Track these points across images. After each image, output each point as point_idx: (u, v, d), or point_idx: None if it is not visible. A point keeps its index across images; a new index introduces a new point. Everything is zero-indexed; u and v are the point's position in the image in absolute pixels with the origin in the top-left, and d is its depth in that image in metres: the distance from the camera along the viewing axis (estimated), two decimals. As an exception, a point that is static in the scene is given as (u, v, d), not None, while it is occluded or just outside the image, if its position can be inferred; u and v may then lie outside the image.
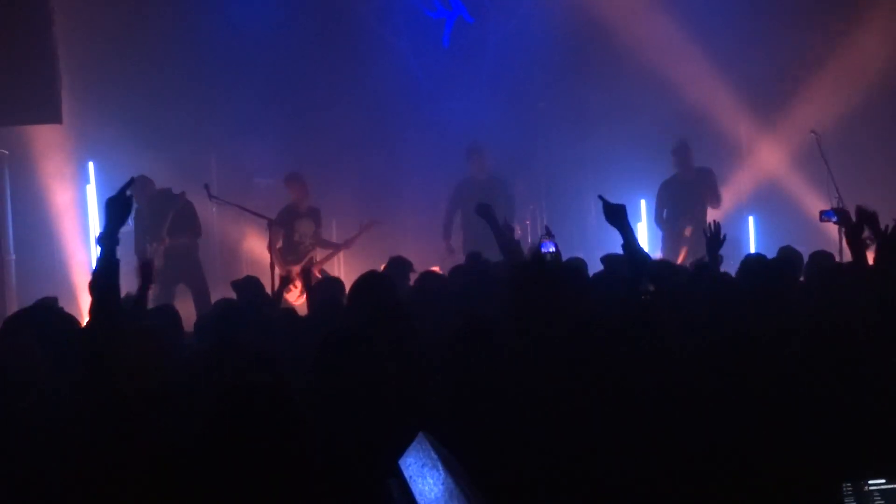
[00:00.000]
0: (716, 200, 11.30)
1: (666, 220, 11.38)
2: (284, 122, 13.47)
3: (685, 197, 11.09)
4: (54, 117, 11.14)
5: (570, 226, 12.68)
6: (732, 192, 12.21)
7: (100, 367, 3.74)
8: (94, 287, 3.89)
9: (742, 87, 13.19)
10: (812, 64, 13.02)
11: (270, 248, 10.27)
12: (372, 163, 13.35)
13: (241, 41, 13.27)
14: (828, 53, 12.98)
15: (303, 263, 10.86)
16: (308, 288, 7.42)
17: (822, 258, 6.88)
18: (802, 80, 13.12)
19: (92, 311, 3.94)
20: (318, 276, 10.56)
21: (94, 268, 3.95)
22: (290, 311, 7.10)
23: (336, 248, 11.54)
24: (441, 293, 6.60)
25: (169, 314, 6.10)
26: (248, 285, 7.27)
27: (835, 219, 7.68)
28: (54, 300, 6.54)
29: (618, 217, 5.17)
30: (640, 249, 5.20)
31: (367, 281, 5.71)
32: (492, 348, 4.35)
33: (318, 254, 11.45)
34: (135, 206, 5.68)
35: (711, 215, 10.83)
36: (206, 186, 10.18)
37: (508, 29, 14.40)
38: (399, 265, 7.67)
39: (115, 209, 4.02)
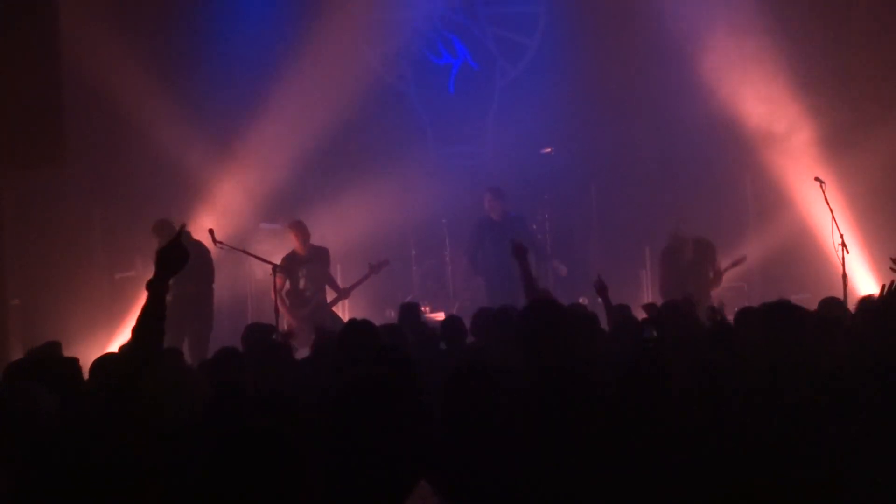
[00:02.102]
0: (716, 277, 10.87)
1: (668, 292, 10.63)
2: (290, 167, 13.50)
3: (684, 276, 10.69)
4: (59, 160, 11.07)
5: (574, 270, 12.65)
6: (737, 243, 12.14)
7: (136, 409, 3.72)
8: (139, 330, 3.87)
9: (745, 136, 13.21)
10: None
11: (275, 293, 10.28)
12: (378, 207, 13.36)
13: (248, 87, 13.34)
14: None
15: (309, 311, 10.87)
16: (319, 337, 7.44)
17: (869, 302, 6.76)
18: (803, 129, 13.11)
19: (132, 353, 3.94)
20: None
21: (141, 312, 3.91)
22: (305, 359, 7.13)
23: (343, 292, 11.47)
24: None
25: (174, 357, 6.07)
26: (257, 330, 7.34)
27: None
28: (57, 345, 6.52)
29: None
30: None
31: (353, 329, 5.74)
32: (493, 391, 4.33)
33: (327, 296, 11.38)
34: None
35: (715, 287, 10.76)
36: (211, 231, 10.18)
37: (513, 75, 14.49)
38: (411, 311, 7.99)
39: (169, 258, 3.97)
